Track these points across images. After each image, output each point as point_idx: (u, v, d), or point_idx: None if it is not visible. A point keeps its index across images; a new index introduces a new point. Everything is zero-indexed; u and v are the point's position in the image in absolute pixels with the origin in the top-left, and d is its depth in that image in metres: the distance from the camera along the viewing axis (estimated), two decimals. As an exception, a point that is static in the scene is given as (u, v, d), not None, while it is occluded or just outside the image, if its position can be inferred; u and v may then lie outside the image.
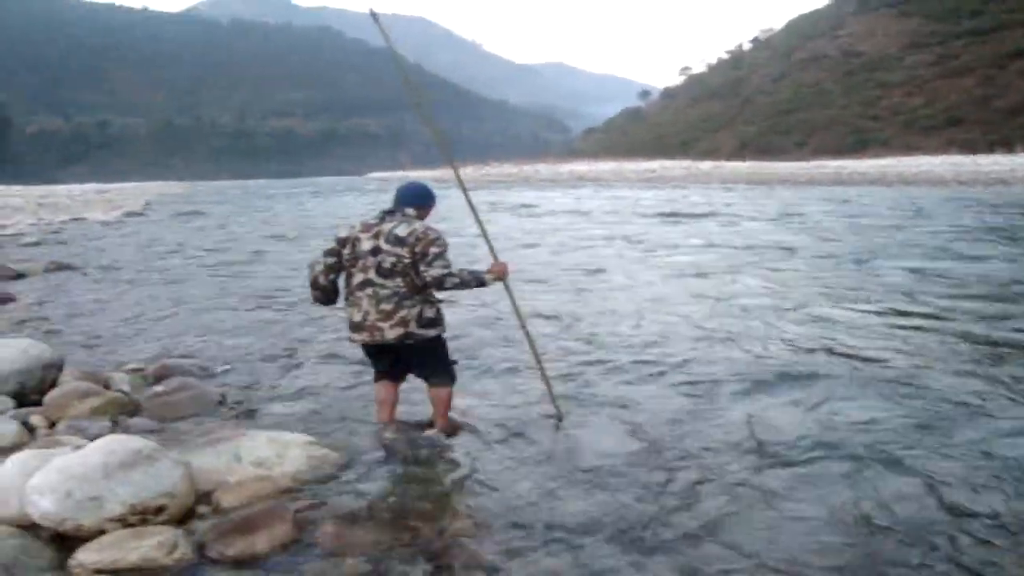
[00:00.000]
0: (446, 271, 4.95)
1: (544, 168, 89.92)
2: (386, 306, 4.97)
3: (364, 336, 5.08)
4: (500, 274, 5.22)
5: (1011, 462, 4.67)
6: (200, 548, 3.77)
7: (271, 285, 13.18)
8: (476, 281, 5.09)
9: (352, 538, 3.90)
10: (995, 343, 7.64)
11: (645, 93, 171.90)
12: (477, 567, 3.60)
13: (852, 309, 9.61)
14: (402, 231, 4.98)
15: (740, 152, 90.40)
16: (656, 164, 79.29)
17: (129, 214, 37.62)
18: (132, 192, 70.80)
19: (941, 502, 4.18)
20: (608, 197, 41.01)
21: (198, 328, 9.55)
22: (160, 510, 3.94)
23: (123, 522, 3.81)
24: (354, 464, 4.90)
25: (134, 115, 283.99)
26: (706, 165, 75.65)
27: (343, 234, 5.16)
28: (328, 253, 5.21)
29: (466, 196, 5.59)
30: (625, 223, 24.43)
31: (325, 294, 5.34)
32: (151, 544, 3.67)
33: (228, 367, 7.48)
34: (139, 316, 10.52)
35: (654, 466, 4.81)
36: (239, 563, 3.67)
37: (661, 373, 6.93)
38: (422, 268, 4.94)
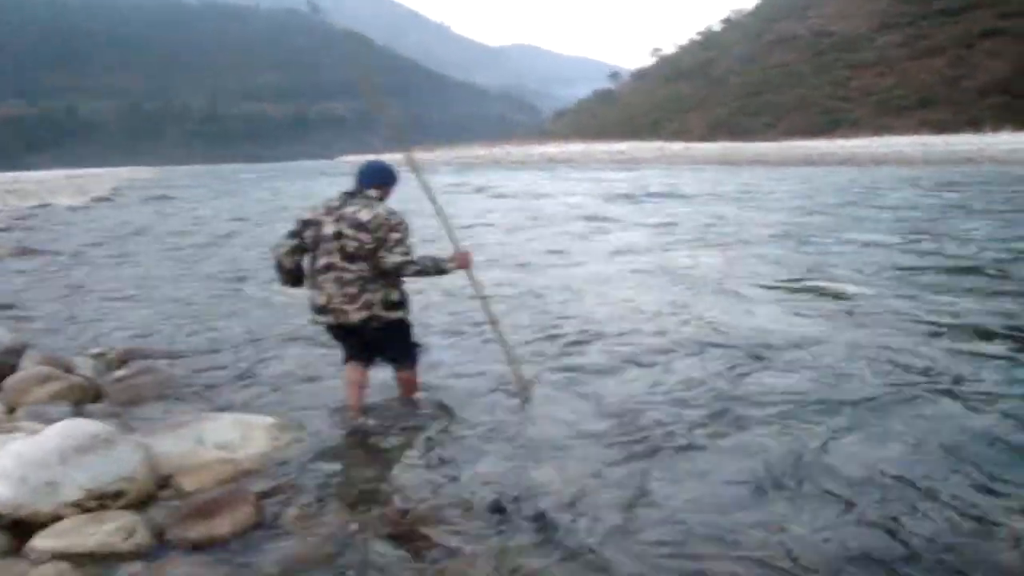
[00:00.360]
0: (406, 258, 4.90)
1: (514, 150, 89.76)
2: (350, 289, 4.91)
3: (329, 318, 5.02)
4: (462, 263, 5.17)
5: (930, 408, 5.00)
6: (159, 533, 3.71)
7: (238, 268, 13.06)
8: (437, 269, 5.05)
9: (316, 520, 3.85)
10: (914, 315, 7.83)
11: (615, 74, 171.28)
12: (443, 548, 3.56)
13: (782, 282, 10.06)
14: (364, 216, 4.91)
15: (711, 133, 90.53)
16: (626, 145, 79.29)
17: (97, 199, 37.17)
18: (102, 178, 69.89)
19: (867, 457, 4.31)
20: (577, 179, 40.97)
21: (164, 312, 9.43)
22: (119, 495, 3.87)
23: (81, 507, 3.74)
24: (320, 446, 4.85)
25: (103, 99, 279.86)
26: (676, 146, 75.79)
27: (306, 216, 5.09)
28: (291, 235, 5.14)
29: (423, 182, 5.49)
30: (586, 204, 24.77)
31: (290, 276, 5.26)
32: (109, 529, 3.60)
33: (193, 351, 7.38)
34: (105, 300, 10.37)
35: (614, 439, 4.83)
36: (199, 547, 3.60)
37: (614, 347, 7.04)
38: (382, 254, 4.88)
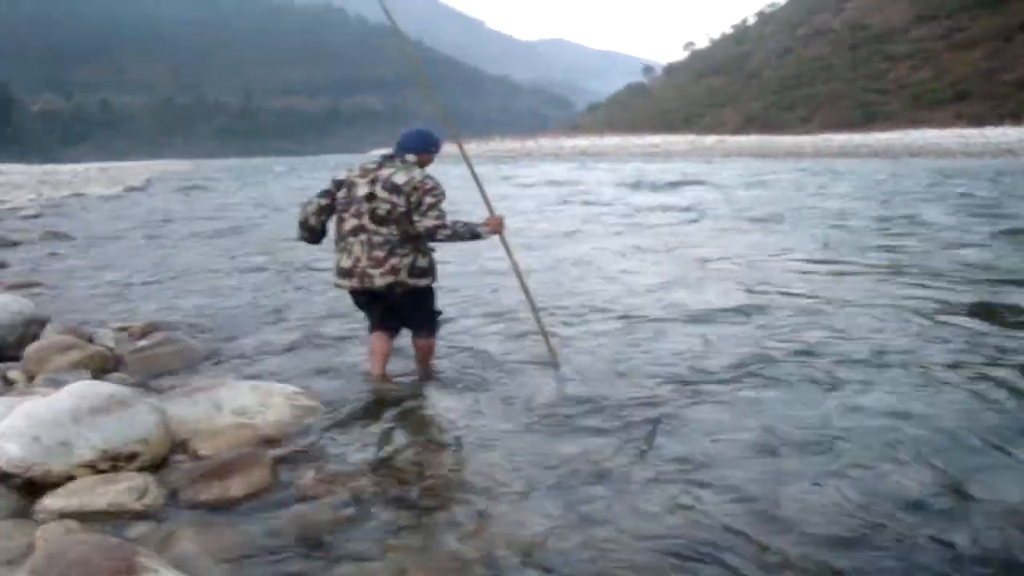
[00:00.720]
0: (439, 222, 4.81)
1: (546, 143, 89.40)
2: (378, 253, 4.85)
3: (353, 282, 4.95)
4: (496, 227, 5.08)
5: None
6: (173, 494, 3.63)
7: (262, 251, 13.05)
8: (470, 234, 4.95)
9: (331, 485, 3.76)
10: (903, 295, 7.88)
11: (648, 69, 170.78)
12: (457, 517, 3.45)
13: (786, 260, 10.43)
14: (399, 179, 4.85)
15: (745, 127, 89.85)
16: (659, 139, 78.81)
17: (130, 189, 37.44)
18: (135, 170, 70.48)
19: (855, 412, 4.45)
20: (604, 169, 40.81)
21: (188, 291, 9.41)
22: (133, 457, 3.78)
23: (94, 468, 3.66)
24: (340, 415, 4.75)
25: (137, 94, 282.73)
26: (710, 139, 75.20)
27: (340, 176, 5.04)
28: (322, 194, 5.10)
29: (464, 154, 5.48)
30: (603, 190, 25.80)
31: (313, 234, 5.22)
32: (120, 489, 3.52)
33: (216, 326, 7.32)
34: (130, 279, 10.36)
35: (639, 404, 4.75)
36: (213, 507, 3.52)
37: (630, 317, 7.14)
38: (415, 218, 4.82)
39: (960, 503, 3.42)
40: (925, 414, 4.46)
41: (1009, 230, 12.71)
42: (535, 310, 5.58)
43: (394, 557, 3.11)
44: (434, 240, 4.93)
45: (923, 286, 8.18)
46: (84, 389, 3.94)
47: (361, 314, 5.42)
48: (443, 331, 5.86)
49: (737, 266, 10.01)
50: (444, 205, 4.91)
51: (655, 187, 26.99)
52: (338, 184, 5.02)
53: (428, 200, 4.82)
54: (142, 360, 5.77)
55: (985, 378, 5.05)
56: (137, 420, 3.88)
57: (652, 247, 12.09)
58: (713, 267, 10.05)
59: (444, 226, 4.83)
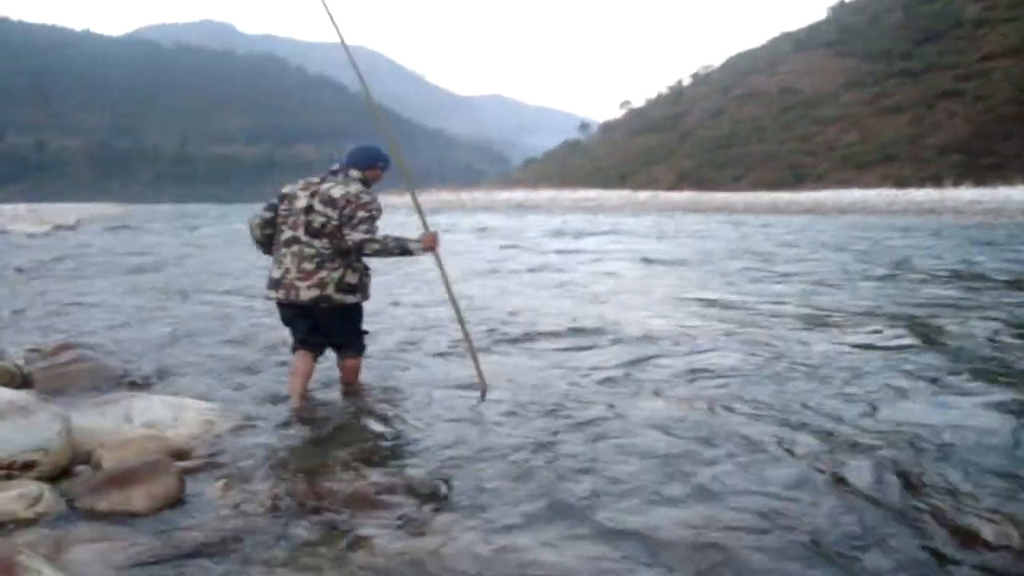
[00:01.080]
0: (367, 236, 4.77)
1: (481, 195, 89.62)
2: (307, 265, 4.81)
3: (280, 294, 4.89)
4: (430, 244, 5.02)
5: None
6: (70, 503, 3.42)
7: (185, 283, 12.82)
8: (400, 249, 4.88)
9: (241, 496, 3.58)
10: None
11: (584, 125, 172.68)
12: (363, 530, 3.29)
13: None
14: (336, 192, 4.84)
15: (678, 185, 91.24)
16: (594, 193, 79.54)
17: (58, 227, 36.51)
18: (66, 211, 68.88)
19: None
20: (536, 221, 41.13)
21: (106, 319, 9.06)
22: (30, 466, 3.58)
23: (-15, 476, 3.44)
24: (254, 431, 4.58)
25: (73, 136, 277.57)
26: (644, 195, 76.12)
27: (285, 190, 5.03)
28: (268, 207, 5.08)
29: (406, 174, 5.51)
30: (527, 236, 26.59)
31: (263, 247, 5.20)
32: (10, 496, 3.30)
33: (130, 348, 7.04)
34: (48, 307, 10.00)
35: (559, 428, 4.61)
36: (112, 517, 3.31)
37: (560, 348, 7.12)
38: (345, 231, 4.77)
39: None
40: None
41: (885, 275, 13.28)
42: (466, 332, 5.51)
43: (306, 563, 2.96)
44: (363, 254, 4.87)
45: (753, 323, 8.31)
46: (-19, 394, 3.73)
47: (285, 333, 5.29)
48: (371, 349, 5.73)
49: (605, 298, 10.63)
50: (379, 223, 4.87)
51: (577, 235, 28.06)
52: (281, 197, 5.01)
53: (360, 214, 4.77)
54: (52, 377, 5.50)
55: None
56: (37, 428, 3.67)
57: (552, 283, 12.70)
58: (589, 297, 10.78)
59: (374, 240, 4.77)
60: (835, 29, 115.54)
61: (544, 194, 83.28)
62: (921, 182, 62.96)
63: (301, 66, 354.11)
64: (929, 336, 7.27)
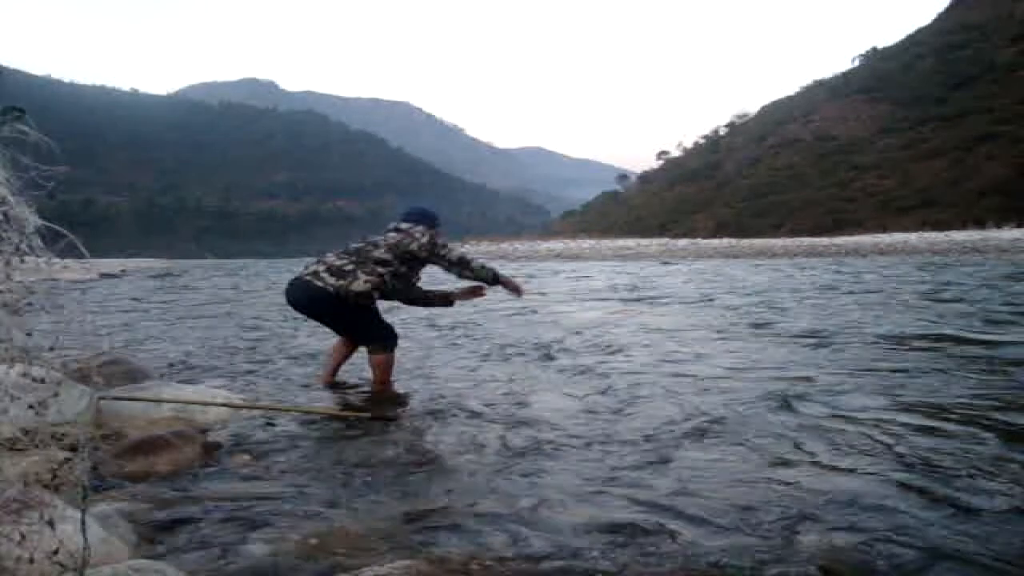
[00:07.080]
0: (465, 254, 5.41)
1: (521, 245, 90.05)
2: (330, 261, 5.28)
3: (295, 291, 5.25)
4: (517, 287, 5.61)
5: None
6: (94, 468, 3.46)
7: (227, 323, 12.95)
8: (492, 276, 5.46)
9: (263, 465, 3.62)
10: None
11: (623, 176, 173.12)
12: (392, 493, 3.33)
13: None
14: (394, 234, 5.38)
15: (717, 233, 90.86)
16: (633, 242, 79.59)
17: (104, 275, 37.21)
18: (112, 264, 70.35)
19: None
20: (575, 268, 41.14)
21: (150, 337, 9.24)
22: (58, 438, 3.62)
23: (7, 446, 3.49)
24: (282, 417, 4.61)
25: (120, 194, 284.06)
26: (682, 242, 76.02)
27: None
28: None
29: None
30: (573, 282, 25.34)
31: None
32: (32, 460, 3.35)
33: (168, 358, 7.17)
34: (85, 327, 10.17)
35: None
36: (133, 478, 3.36)
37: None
38: (440, 253, 5.34)
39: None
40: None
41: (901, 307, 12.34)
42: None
43: (321, 522, 2.98)
44: (465, 267, 5.30)
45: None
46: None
47: (321, 346, 5.46)
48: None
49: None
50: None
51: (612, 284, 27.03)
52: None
53: (440, 242, 5.35)
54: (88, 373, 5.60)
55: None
56: (67, 403, 3.73)
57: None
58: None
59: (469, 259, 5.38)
60: (868, 76, 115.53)
61: (584, 243, 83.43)
62: (963, 224, 62.19)
63: (342, 121, 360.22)
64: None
